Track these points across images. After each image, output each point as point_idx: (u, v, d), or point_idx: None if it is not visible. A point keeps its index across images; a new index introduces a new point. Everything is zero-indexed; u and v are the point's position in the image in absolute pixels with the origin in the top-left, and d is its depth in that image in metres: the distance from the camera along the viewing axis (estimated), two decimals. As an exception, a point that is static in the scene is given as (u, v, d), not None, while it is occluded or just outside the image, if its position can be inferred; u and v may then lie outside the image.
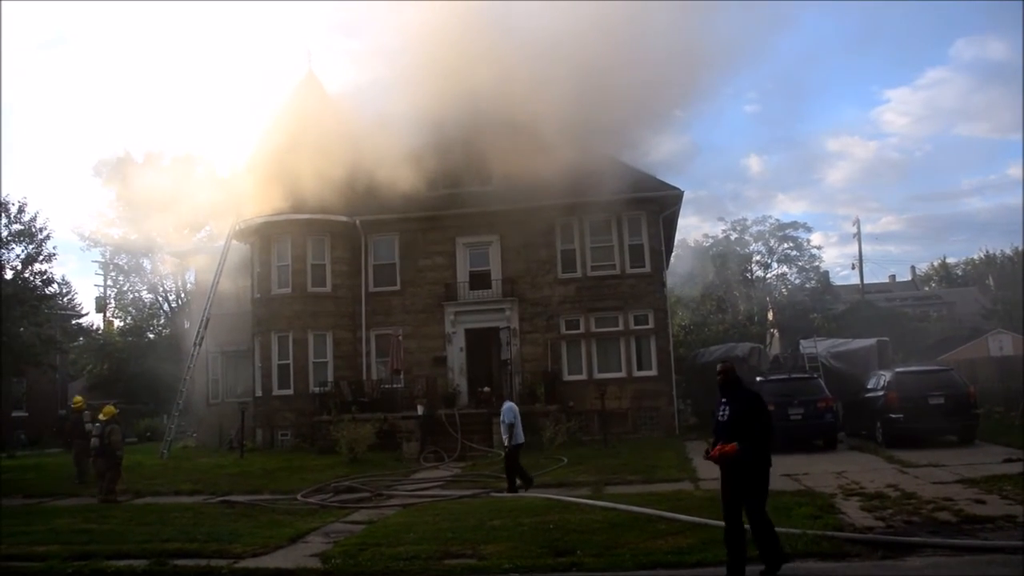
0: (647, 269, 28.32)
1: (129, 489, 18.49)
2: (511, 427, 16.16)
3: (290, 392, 28.45)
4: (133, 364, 46.44)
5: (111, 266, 56.20)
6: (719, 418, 8.80)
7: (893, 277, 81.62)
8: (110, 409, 18.82)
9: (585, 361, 28.12)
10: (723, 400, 8.82)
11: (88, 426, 20.32)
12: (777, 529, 10.01)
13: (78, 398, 24.09)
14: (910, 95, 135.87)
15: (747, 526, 8.57)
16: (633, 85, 26.94)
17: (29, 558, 11.03)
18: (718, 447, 8.60)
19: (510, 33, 27.84)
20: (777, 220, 65.51)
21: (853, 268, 56.43)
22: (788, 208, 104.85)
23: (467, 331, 29.01)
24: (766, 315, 56.05)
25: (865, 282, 58.48)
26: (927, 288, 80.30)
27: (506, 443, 16.31)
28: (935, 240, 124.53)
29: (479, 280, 29.21)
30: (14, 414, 38.15)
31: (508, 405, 16.64)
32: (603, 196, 27.57)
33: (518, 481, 16.03)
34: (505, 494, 15.48)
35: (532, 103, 26.66)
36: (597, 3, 27.03)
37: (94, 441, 18.21)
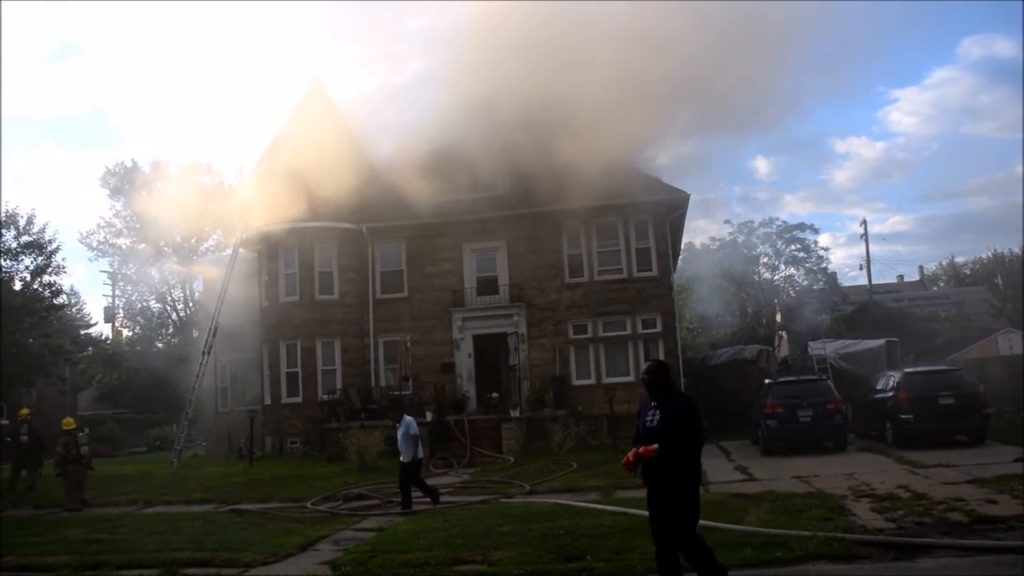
0: (654, 273, 28.29)
1: (139, 499, 18.57)
2: (417, 439, 15.46)
3: (299, 400, 28.48)
4: (142, 374, 46.52)
5: (119, 276, 56.35)
6: (646, 423, 7.77)
7: (901, 277, 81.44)
8: (69, 421, 19.33)
9: (593, 365, 28.09)
10: (652, 403, 7.81)
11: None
12: (788, 532, 10.03)
13: (24, 411, 24.29)
14: (917, 95, 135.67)
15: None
16: (645, 90, 26.94)
17: (40, 568, 11.05)
18: (633, 450, 7.70)
19: (521, 37, 27.86)
20: (784, 222, 65.32)
21: (861, 269, 56.17)
22: (795, 209, 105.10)
23: (475, 337, 29.00)
24: (774, 317, 56.04)
25: (873, 283, 58.23)
26: (935, 288, 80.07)
27: (407, 457, 15.26)
28: (943, 240, 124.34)
29: (486, 286, 29.22)
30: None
31: (410, 419, 15.76)
32: (610, 200, 27.61)
33: (423, 496, 15.36)
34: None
35: (542, 109, 26.69)
36: (610, 9, 27.09)
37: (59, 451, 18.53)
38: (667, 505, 7.65)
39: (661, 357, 27.64)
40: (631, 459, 7.68)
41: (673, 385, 7.96)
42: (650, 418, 7.72)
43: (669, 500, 7.63)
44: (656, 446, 7.49)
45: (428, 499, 15.22)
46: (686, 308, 51.23)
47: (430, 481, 19.74)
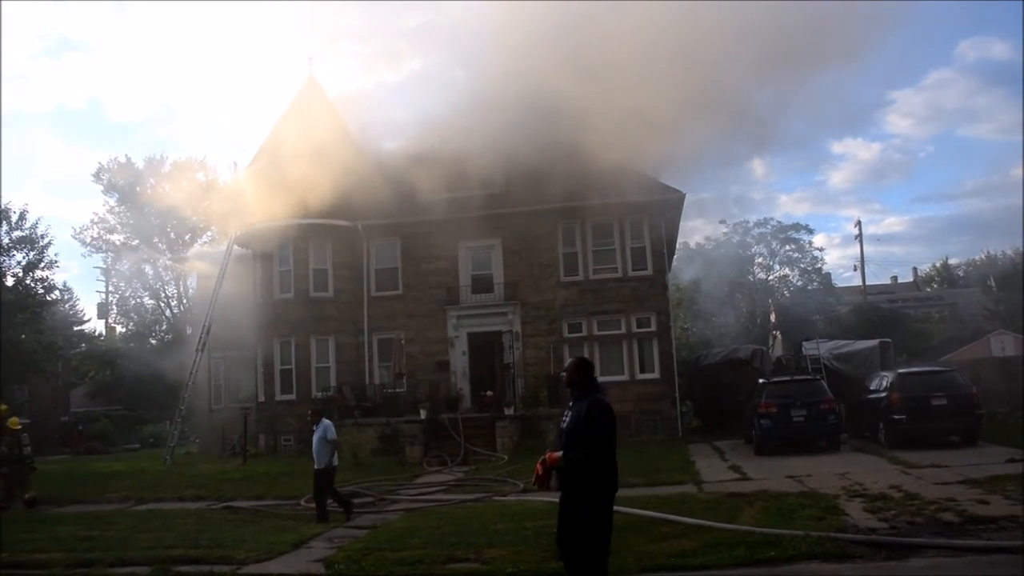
0: (649, 272, 28.32)
1: (132, 496, 18.56)
2: (334, 443, 14.78)
3: (293, 397, 28.43)
4: (135, 370, 46.45)
5: (113, 272, 56.24)
6: (561, 425, 7.23)
7: (895, 278, 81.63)
8: (15, 421, 19.48)
9: (588, 364, 28.04)
10: (569, 403, 7.22)
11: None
12: (781, 531, 10.04)
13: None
14: (913, 96, 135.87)
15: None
16: (648, 93, 26.95)
17: (32, 565, 11.03)
18: (540, 461, 7.06)
19: (519, 36, 27.89)
20: (779, 222, 65.37)
21: (855, 270, 56.34)
22: (791, 210, 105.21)
23: (470, 335, 29.01)
24: (768, 317, 56.14)
25: (867, 283, 58.43)
26: (929, 289, 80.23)
27: (321, 464, 14.42)
28: (937, 241, 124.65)
29: (481, 284, 29.22)
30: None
31: (328, 422, 14.87)
32: (605, 199, 27.64)
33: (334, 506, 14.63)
34: (503, 494, 15.16)
35: (540, 107, 26.72)
36: (614, 9, 27.10)
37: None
38: (571, 516, 6.89)
39: (656, 356, 27.74)
40: (539, 471, 6.98)
41: (590, 384, 7.17)
42: (564, 419, 7.15)
43: (573, 510, 6.87)
44: (560, 452, 6.91)
45: (342, 510, 14.33)
46: (681, 307, 51.32)
47: (426, 479, 19.80)
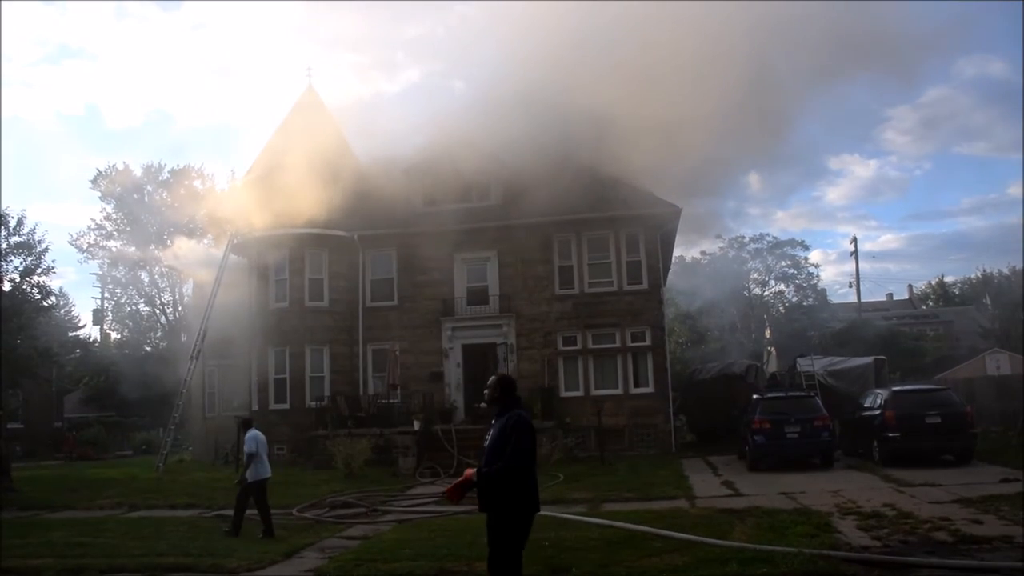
0: (644, 286, 28.33)
1: (124, 502, 18.51)
2: (251, 457, 14.05)
3: (286, 406, 28.38)
4: (129, 377, 46.34)
5: (109, 278, 56.14)
6: (484, 443, 7.12)
7: (890, 296, 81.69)
8: None
9: (582, 377, 28.10)
10: (492, 420, 7.16)
11: None
12: (774, 548, 10.03)
13: None
14: (910, 113, 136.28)
15: None
16: (651, 106, 27.06)
17: (23, 571, 11.01)
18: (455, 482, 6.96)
19: (516, 46, 28.03)
20: (774, 238, 65.48)
21: (851, 286, 56.49)
22: (787, 225, 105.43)
23: (464, 347, 29.00)
24: (763, 333, 56.19)
25: (863, 300, 58.54)
26: (924, 307, 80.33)
27: (247, 476, 14.02)
28: (933, 259, 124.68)
29: (477, 296, 29.22)
30: (10, 426, 38.06)
31: (252, 433, 14.33)
32: (602, 212, 27.71)
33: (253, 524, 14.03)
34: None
35: (536, 120, 26.81)
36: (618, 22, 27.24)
37: None
38: (489, 535, 6.90)
39: (650, 370, 27.73)
40: (451, 488, 7.03)
41: (511, 400, 7.09)
42: (487, 437, 7.07)
43: (489, 529, 6.91)
44: (474, 469, 6.88)
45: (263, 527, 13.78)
46: (676, 321, 51.34)
47: (419, 490, 19.74)
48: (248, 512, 13.98)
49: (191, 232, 49.74)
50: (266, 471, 14.23)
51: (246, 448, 14.20)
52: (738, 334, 60.19)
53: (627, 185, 28.63)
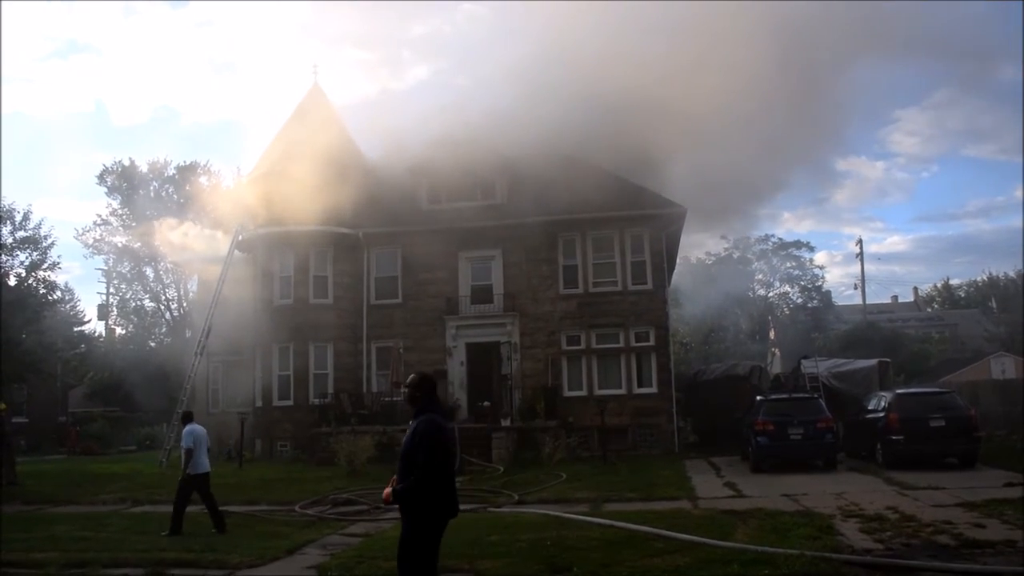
0: (649, 286, 28.30)
1: (127, 497, 18.55)
2: (189, 452, 13.92)
3: (290, 403, 28.44)
4: (134, 372, 46.40)
5: (114, 274, 56.20)
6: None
7: (896, 298, 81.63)
8: (2, 405, 21.15)
9: (585, 377, 28.08)
10: (411, 421, 6.99)
11: None
12: (776, 550, 10.02)
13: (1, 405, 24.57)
14: (918, 115, 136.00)
15: None
16: (662, 104, 27.06)
17: (27, 565, 11.02)
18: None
19: (523, 45, 28.05)
20: (780, 239, 65.37)
21: (856, 288, 56.40)
22: (794, 227, 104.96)
23: (468, 345, 28.99)
24: (767, 334, 56.13)
25: (868, 302, 58.46)
26: (930, 309, 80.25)
27: (187, 471, 13.93)
28: (939, 261, 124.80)
29: (481, 294, 29.21)
30: (14, 420, 38.14)
31: (190, 427, 14.28)
32: (607, 212, 27.72)
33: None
34: (501, 508, 15.05)
35: (545, 119, 26.80)
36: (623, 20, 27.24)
37: None
38: (402, 535, 6.75)
39: (654, 371, 27.70)
40: (387, 492, 6.81)
41: (427, 401, 6.95)
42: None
43: (403, 529, 6.73)
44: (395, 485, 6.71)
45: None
46: (680, 322, 51.29)
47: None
48: (246, 508, 13.95)
49: (195, 228, 49.78)
50: (203, 466, 14.15)
51: (183, 443, 14.14)
52: (742, 335, 60.16)
53: (633, 185, 28.61)
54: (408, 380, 7.18)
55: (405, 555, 6.63)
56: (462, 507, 15.96)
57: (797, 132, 31.77)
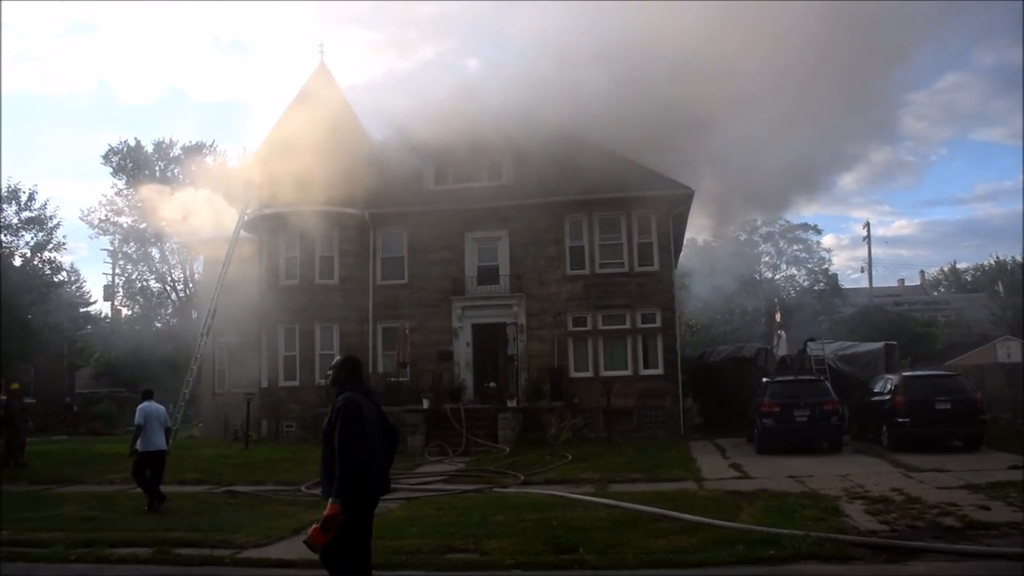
0: (656, 268, 28.23)
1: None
2: (139, 428, 14.34)
3: (296, 383, 28.48)
4: (140, 353, 46.52)
5: (120, 254, 56.25)
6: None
7: (902, 281, 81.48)
8: (16, 385, 22.17)
9: (592, 358, 28.07)
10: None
11: None
12: (781, 531, 10.02)
13: (14, 385, 24.88)
14: (928, 99, 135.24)
15: None
16: (671, 88, 26.94)
17: (34, 544, 11.06)
18: None
19: (531, 24, 27.94)
20: (787, 221, 65.08)
21: (863, 271, 56.32)
22: (801, 210, 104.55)
23: (474, 326, 28.97)
24: (774, 316, 56.03)
25: (874, 286, 58.31)
26: (936, 293, 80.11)
27: (137, 447, 14.31)
28: (946, 245, 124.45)
29: (487, 275, 29.17)
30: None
31: (143, 405, 14.63)
32: (614, 193, 27.65)
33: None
34: (506, 489, 15.24)
35: (552, 99, 26.69)
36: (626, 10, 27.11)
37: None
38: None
39: (660, 352, 27.67)
40: (314, 529, 6.42)
41: (348, 381, 6.72)
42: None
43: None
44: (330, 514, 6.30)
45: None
46: (686, 304, 51.19)
47: (427, 469, 19.81)
48: (252, 488, 13.99)
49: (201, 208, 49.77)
50: (156, 443, 14.46)
51: (135, 419, 14.46)
52: (748, 317, 60.06)
53: (640, 166, 28.50)
54: (334, 362, 7.00)
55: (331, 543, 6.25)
56: (467, 487, 16.04)
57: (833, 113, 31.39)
